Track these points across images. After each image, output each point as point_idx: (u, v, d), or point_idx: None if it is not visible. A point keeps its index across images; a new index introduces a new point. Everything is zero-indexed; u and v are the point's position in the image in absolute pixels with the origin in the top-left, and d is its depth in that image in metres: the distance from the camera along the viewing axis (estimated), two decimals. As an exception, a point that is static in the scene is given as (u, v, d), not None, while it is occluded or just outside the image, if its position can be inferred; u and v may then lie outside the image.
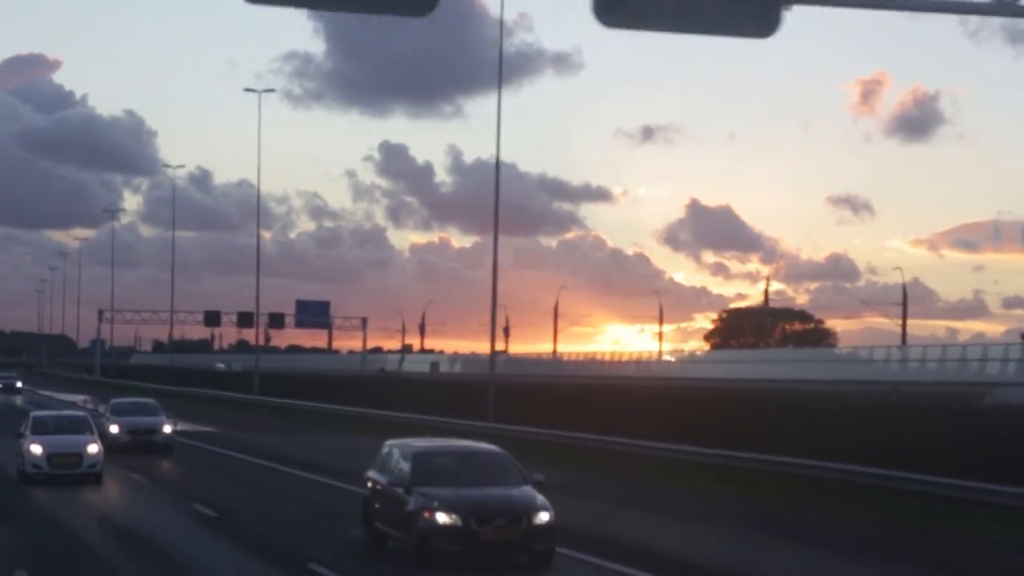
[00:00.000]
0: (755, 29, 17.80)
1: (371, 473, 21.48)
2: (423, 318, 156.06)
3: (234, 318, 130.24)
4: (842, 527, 25.25)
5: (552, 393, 58.91)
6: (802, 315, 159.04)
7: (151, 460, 40.37)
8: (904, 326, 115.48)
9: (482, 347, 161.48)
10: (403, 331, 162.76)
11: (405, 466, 20.09)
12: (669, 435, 38.00)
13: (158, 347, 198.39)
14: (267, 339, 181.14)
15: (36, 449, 31.84)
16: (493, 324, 52.43)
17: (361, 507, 21.70)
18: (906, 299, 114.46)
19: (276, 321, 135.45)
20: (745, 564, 20.67)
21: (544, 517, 18.95)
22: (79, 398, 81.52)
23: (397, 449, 21.05)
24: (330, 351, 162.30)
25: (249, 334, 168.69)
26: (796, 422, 36.93)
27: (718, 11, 17.32)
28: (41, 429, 32.85)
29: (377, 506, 20.86)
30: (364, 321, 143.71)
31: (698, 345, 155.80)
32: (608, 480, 34.63)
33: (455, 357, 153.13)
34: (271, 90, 76.07)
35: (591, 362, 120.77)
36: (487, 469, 20.20)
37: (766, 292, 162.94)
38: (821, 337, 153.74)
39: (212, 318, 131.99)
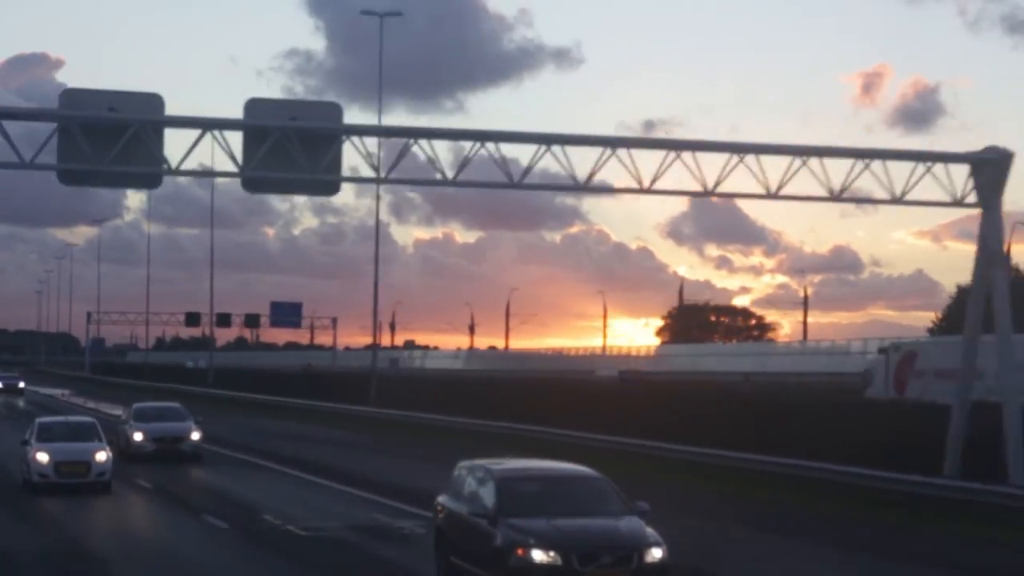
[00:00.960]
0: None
1: (443, 499, 18.90)
2: (393, 316, 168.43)
3: (214, 318, 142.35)
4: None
5: (453, 385, 71.62)
6: (745, 312, 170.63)
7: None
8: (805, 321, 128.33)
9: (464, 342, 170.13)
10: (378, 328, 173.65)
11: (488, 493, 17.40)
12: (535, 419, 43.86)
13: (159, 345, 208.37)
14: (257, 337, 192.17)
15: (42, 457, 30.46)
16: (375, 319, 64.75)
17: (432, 537, 19.47)
18: (806, 300, 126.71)
19: (252, 321, 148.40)
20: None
21: (657, 554, 16.37)
22: (59, 392, 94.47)
23: (474, 472, 18.33)
24: (317, 348, 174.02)
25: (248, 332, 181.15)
26: (646, 404, 45.24)
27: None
28: (47, 436, 31.46)
29: (453, 538, 18.23)
30: (334, 321, 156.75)
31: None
32: (435, 448, 42.93)
33: (426, 352, 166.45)
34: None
35: (539, 356, 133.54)
36: (583, 496, 17.47)
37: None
38: (763, 332, 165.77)
39: (192, 319, 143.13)
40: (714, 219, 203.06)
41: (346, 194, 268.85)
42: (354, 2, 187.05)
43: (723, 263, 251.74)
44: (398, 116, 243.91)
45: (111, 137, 26.81)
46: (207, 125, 27.07)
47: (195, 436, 39.36)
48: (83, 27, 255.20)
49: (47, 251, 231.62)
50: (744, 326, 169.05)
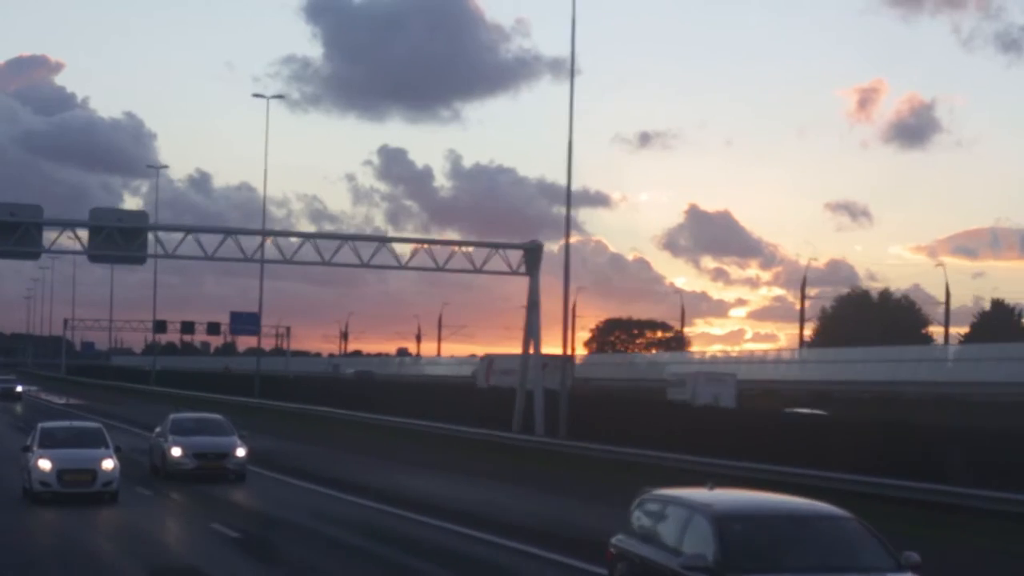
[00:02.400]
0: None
1: (621, 540, 14.85)
2: (346, 326, 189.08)
3: (178, 326, 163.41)
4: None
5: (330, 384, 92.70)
6: (664, 325, 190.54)
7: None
8: (683, 332, 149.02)
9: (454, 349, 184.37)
10: (345, 336, 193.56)
11: (701, 537, 12.98)
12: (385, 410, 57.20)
13: (147, 350, 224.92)
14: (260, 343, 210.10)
15: (45, 464, 29.01)
16: (258, 329, 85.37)
17: None
18: (684, 315, 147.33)
19: (213, 329, 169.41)
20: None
21: None
22: (31, 388, 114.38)
23: (674, 506, 13.96)
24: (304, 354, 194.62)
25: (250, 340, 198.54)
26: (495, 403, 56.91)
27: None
28: (50, 442, 29.94)
29: None
30: (288, 330, 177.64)
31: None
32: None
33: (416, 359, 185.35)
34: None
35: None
36: (832, 543, 13.09)
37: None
38: (680, 344, 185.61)
39: (159, 326, 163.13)
40: (710, 231, 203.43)
41: (343, 201, 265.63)
42: (351, 10, 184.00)
43: (719, 275, 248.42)
44: (395, 125, 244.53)
45: (11, 230, 47.74)
46: (66, 225, 48.03)
47: (240, 453, 35.02)
48: (83, 31, 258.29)
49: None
50: (664, 338, 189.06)
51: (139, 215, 49.56)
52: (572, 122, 57.83)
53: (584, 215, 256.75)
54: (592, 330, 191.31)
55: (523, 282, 50.05)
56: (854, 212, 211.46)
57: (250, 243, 56.27)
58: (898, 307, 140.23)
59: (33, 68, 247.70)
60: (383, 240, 50.32)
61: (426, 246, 49.99)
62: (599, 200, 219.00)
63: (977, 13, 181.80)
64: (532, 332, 49.76)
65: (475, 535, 24.61)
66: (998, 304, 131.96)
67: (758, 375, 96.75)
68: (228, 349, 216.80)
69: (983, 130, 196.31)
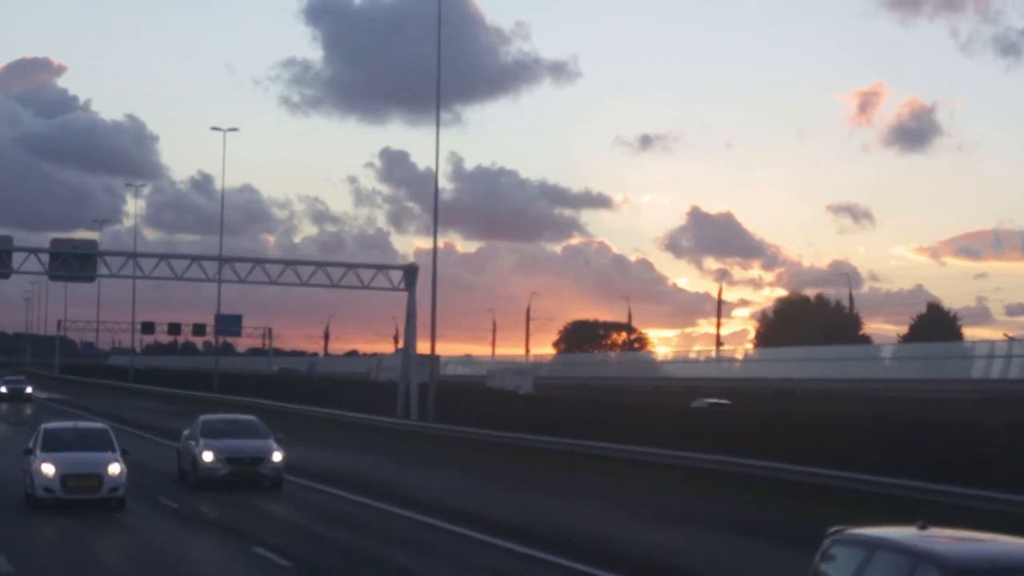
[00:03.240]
0: None
1: None
2: (327, 327, 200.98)
3: (165, 328, 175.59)
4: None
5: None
6: (627, 327, 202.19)
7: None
8: (642, 333, 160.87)
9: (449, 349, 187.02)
10: (326, 336, 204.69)
11: None
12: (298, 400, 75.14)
13: (145, 350, 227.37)
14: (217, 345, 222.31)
15: (48, 469, 27.68)
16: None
17: None
18: (630, 317, 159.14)
19: (199, 331, 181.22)
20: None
21: None
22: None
23: (891, 554, 10.25)
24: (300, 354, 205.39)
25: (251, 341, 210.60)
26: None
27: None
28: (53, 445, 28.61)
29: None
30: (269, 331, 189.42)
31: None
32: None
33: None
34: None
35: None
36: None
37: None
38: (642, 345, 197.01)
39: (147, 327, 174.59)
40: (712, 232, 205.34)
41: (344, 202, 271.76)
42: (351, 13, 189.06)
43: (722, 276, 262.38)
44: (395, 127, 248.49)
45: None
46: (31, 251, 60.27)
47: (277, 457, 32.90)
48: (86, 34, 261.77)
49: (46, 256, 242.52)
50: (627, 340, 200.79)
51: (90, 243, 61.90)
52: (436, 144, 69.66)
53: (586, 216, 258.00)
54: (560, 332, 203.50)
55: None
56: (856, 214, 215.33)
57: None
58: (834, 310, 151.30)
59: (36, 71, 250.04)
60: (287, 263, 62.17)
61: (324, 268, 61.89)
62: (601, 202, 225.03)
63: (975, 16, 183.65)
64: (409, 336, 61.90)
65: (325, 488, 33.54)
66: (933, 307, 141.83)
67: (690, 373, 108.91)
68: (227, 349, 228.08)
69: (984, 133, 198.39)
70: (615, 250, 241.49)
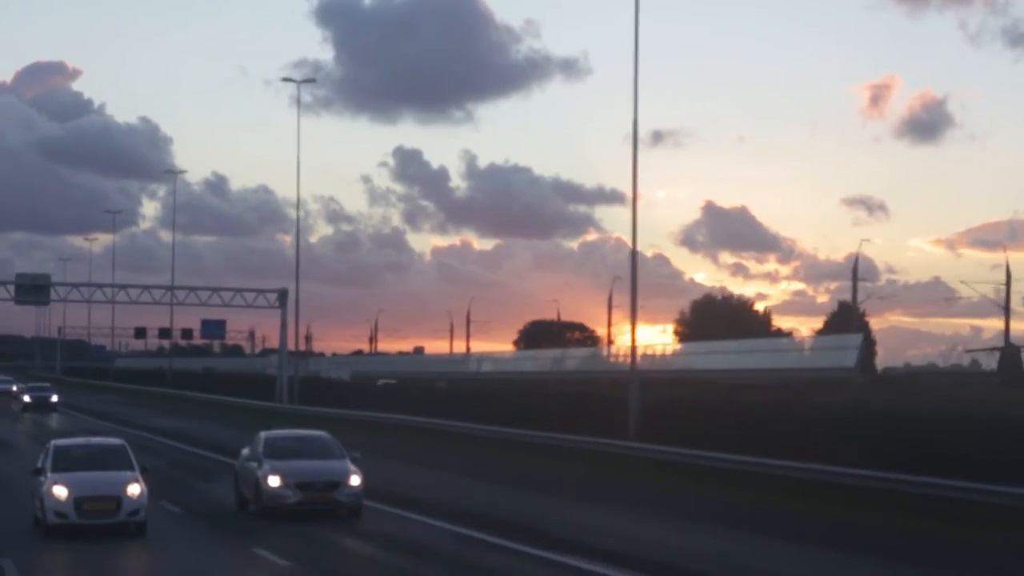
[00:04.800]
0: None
1: None
2: (308, 328, 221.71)
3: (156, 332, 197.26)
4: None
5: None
6: (582, 327, 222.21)
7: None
8: (594, 332, 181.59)
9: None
10: (309, 338, 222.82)
11: None
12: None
13: (158, 352, 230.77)
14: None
15: (60, 491, 25.04)
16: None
17: None
18: (559, 315, 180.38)
19: (186, 335, 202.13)
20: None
21: None
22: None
23: None
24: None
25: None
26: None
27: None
28: (65, 463, 26.04)
29: None
30: (251, 333, 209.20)
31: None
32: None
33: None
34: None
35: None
36: None
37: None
38: (593, 342, 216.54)
39: (140, 332, 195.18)
40: (727, 226, 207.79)
41: (359, 202, 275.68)
42: (361, 13, 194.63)
43: (738, 270, 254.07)
44: (408, 127, 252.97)
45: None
46: (2, 283, 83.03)
47: (355, 481, 28.11)
48: (100, 37, 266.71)
49: (62, 259, 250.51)
50: (582, 338, 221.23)
51: (43, 277, 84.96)
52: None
53: (600, 212, 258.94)
54: (519, 331, 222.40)
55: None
56: (871, 206, 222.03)
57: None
58: (742, 309, 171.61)
59: (51, 74, 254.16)
60: (169, 288, 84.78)
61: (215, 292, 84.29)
62: (615, 198, 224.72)
63: (984, 8, 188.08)
64: (283, 341, 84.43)
65: (186, 448, 55.48)
66: (844, 305, 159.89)
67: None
68: (236, 351, 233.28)
69: (996, 124, 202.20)
70: (631, 246, 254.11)
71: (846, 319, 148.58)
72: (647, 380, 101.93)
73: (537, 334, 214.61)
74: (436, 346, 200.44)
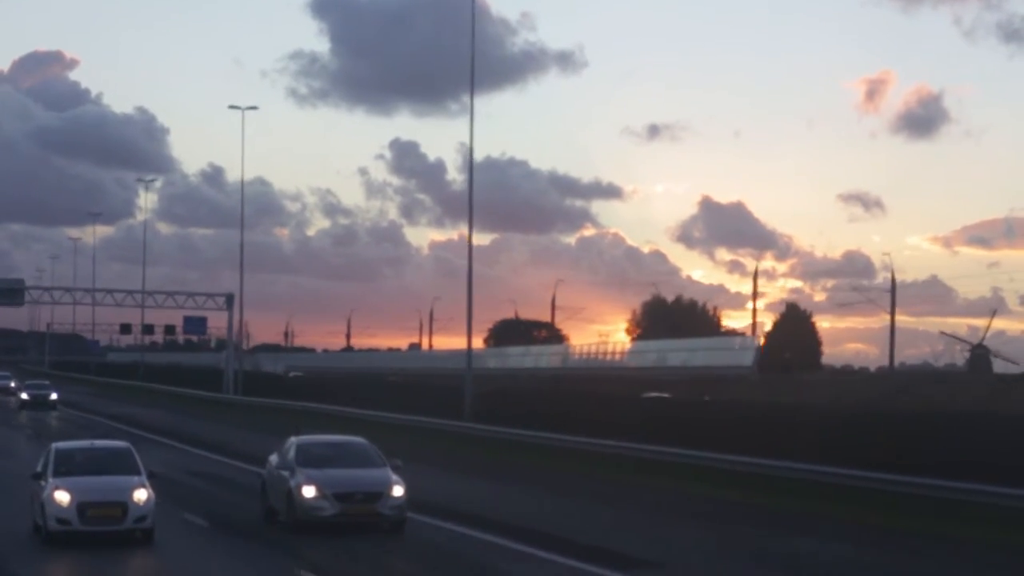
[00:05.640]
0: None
1: None
2: (287, 325, 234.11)
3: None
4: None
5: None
6: (548, 325, 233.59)
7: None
8: (559, 331, 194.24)
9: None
10: (288, 334, 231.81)
11: None
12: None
13: (150, 346, 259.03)
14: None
15: (62, 497, 24.15)
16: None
17: None
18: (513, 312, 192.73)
19: (170, 331, 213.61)
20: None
21: None
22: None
23: None
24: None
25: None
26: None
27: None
28: (67, 467, 25.10)
29: None
30: (243, 328, 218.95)
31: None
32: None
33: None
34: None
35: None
36: None
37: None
38: (558, 340, 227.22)
39: (125, 328, 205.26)
40: (724, 222, 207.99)
41: (356, 195, 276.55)
42: (357, 5, 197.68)
43: (735, 267, 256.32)
44: (404, 119, 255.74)
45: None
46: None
47: (398, 492, 25.91)
48: (98, 27, 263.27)
49: (59, 251, 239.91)
50: (548, 336, 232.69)
51: (17, 281, 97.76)
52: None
53: (597, 207, 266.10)
54: (489, 329, 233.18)
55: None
56: (867, 203, 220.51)
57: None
58: (692, 310, 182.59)
59: (49, 64, 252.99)
60: (130, 292, 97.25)
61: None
62: (611, 192, 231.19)
63: (978, 3, 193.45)
64: (230, 338, 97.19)
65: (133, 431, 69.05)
66: (792, 306, 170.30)
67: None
68: (220, 346, 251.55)
69: (992, 120, 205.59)
70: (629, 241, 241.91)
71: (794, 320, 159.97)
72: (573, 376, 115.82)
73: (506, 331, 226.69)
74: (438, 342, 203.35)
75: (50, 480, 24.76)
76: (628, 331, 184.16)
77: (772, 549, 25.23)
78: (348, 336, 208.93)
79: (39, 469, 25.73)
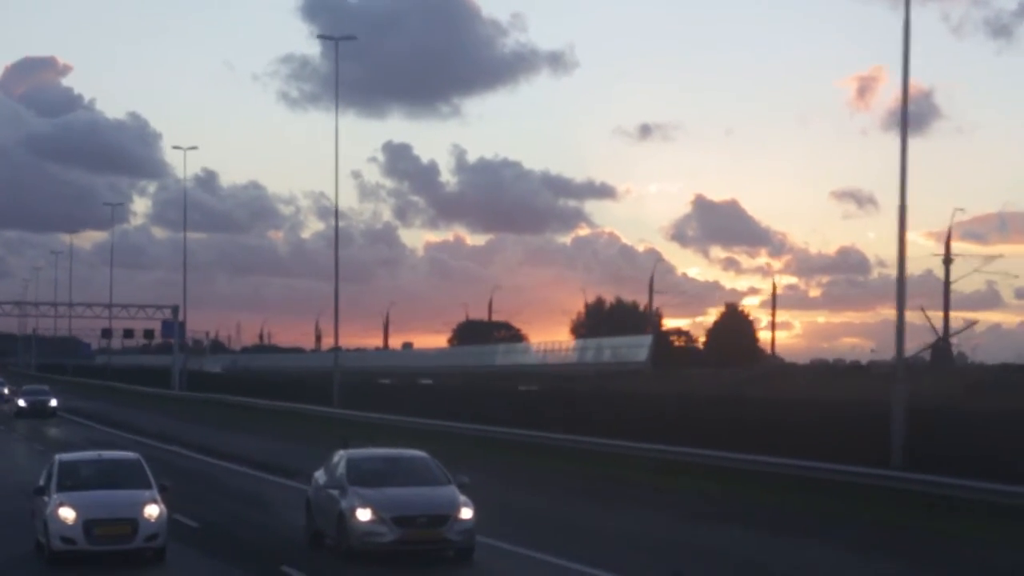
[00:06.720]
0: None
1: None
2: (263, 327, 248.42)
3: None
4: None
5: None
6: (507, 326, 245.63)
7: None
8: (519, 331, 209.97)
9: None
10: (263, 335, 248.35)
11: None
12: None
13: (143, 349, 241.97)
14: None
15: (67, 514, 22.73)
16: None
17: None
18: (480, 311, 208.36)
19: (148, 335, 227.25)
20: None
21: None
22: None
23: None
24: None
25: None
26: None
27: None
28: (72, 481, 23.72)
29: None
30: (207, 334, 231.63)
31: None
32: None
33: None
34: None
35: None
36: None
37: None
38: (517, 340, 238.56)
39: (106, 333, 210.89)
40: (717, 220, 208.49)
41: (349, 197, 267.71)
42: (347, 9, 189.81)
43: (730, 264, 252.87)
44: (396, 120, 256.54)
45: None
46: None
47: (466, 514, 23.08)
48: (90, 33, 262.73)
49: (52, 256, 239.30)
50: (507, 336, 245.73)
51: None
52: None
53: (591, 207, 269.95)
54: (454, 329, 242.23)
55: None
56: (860, 200, 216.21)
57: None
58: (631, 310, 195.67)
59: (41, 70, 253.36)
60: (70, 304, 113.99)
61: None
62: (605, 192, 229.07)
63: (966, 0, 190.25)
64: (176, 346, 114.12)
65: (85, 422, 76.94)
66: (732, 307, 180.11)
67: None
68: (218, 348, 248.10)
69: (983, 116, 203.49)
70: (624, 240, 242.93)
71: (733, 319, 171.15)
72: (493, 374, 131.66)
73: (470, 331, 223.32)
74: (428, 340, 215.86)
75: (54, 495, 23.19)
76: (572, 331, 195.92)
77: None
78: (261, 338, 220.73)
79: (41, 483, 24.17)
